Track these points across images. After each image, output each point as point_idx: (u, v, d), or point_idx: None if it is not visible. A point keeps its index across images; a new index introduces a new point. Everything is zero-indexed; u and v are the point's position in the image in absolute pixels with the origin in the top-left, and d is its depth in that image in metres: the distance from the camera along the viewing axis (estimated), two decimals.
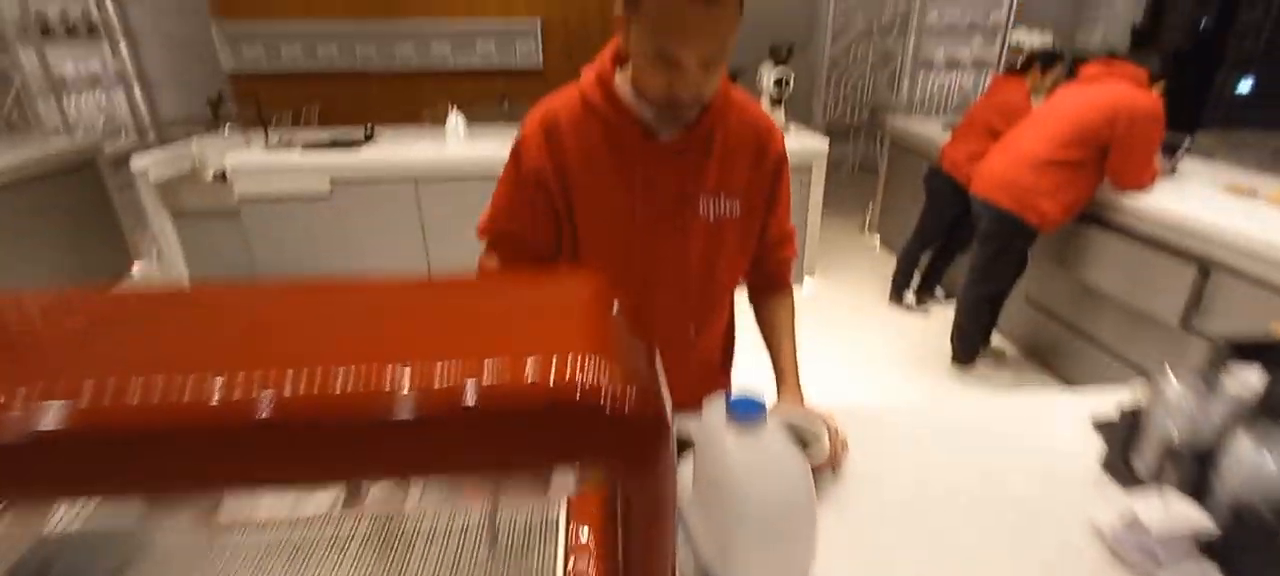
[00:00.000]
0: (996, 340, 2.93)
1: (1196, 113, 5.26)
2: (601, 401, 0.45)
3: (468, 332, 0.54)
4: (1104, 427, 1.01)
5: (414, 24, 5.56)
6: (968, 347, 2.72)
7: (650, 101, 0.89)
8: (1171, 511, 0.78)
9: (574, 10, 5.57)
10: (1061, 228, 2.42)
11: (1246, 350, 0.87)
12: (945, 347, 2.83)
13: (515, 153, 0.97)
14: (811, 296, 3.63)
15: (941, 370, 2.83)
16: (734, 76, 3.75)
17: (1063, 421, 1.07)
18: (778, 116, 3.60)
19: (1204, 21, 5.41)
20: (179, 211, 3.30)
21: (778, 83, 3.47)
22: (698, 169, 0.94)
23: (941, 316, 3.26)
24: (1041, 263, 2.68)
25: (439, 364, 0.43)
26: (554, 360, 0.47)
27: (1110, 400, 1.10)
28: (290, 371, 0.40)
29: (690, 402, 1.14)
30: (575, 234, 0.98)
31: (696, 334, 1.05)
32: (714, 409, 0.62)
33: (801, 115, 6.11)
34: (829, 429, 0.91)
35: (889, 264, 3.86)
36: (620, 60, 0.93)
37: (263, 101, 5.25)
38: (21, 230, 3.27)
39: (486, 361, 0.46)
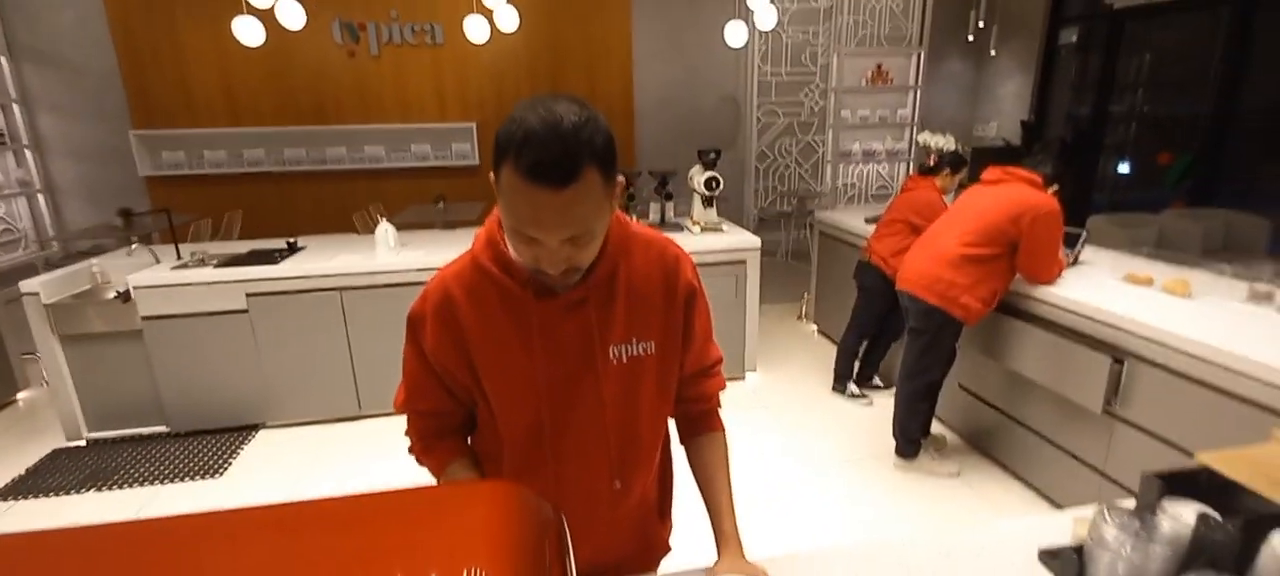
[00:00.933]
0: (937, 427, 2.98)
1: (1087, 198, 5.78)
2: None
3: None
4: (1049, 561, 0.99)
5: (346, 128, 5.51)
6: (909, 441, 2.74)
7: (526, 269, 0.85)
8: None
9: (509, 110, 5.67)
10: (983, 319, 2.52)
11: (1177, 482, 0.88)
12: (889, 438, 2.84)
13: (413, 330, 0.93)
14: (756, 389, 3.62)
15: (886, 462, 2.83)
16: (665, 181, 3.83)
17: (1012, 554, 1.04)
18: (710, 215, 3.70)
19: (1081, 114, 6.03)
20: (74, 335, 3.01)
21: (708, 183, 3.59)
22: (603, 319, 0.90)
23: (883, 405, 3.30)
24: (971, 353, 2.78)
25: None
26: None
27: (1056, 527, 1.09)
28: None
29: (625, 555, 1.06)
30: (488, 400, 0.92)
31: (623, 487, 0.98)
32: None
33: (734, 206, 6.35)
34: None
35: (827, 349, 3.93)
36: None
37: (182, 207, 5.05)
38: None
39: None
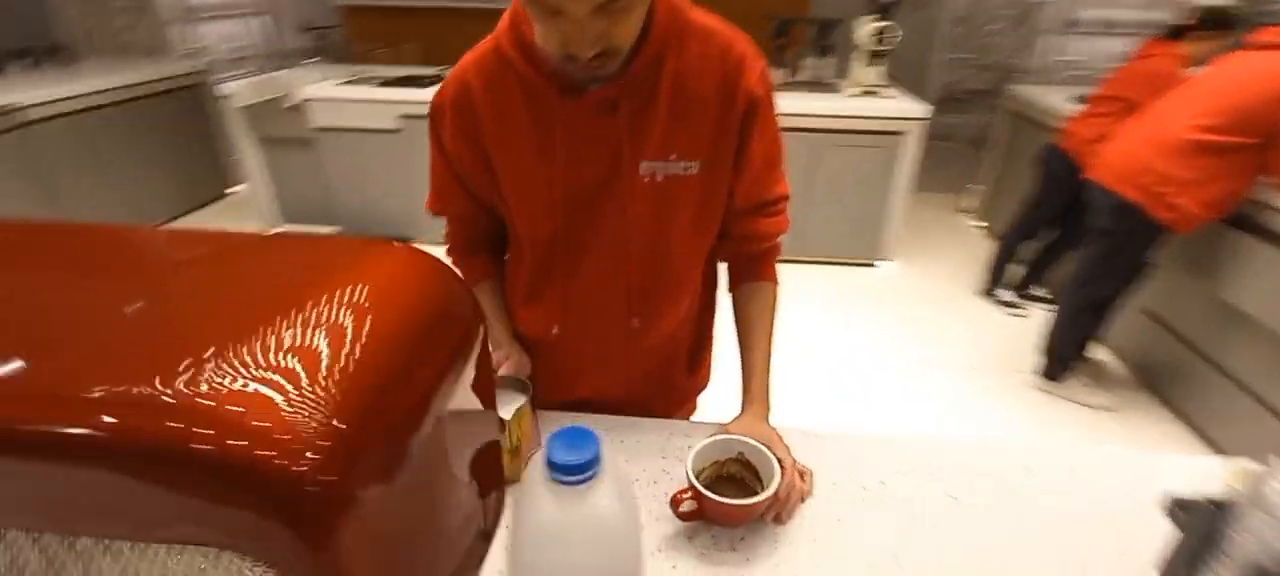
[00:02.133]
0: (1102, 353, 2.51)
1: None
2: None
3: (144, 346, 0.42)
4: (1176, 514, 0.76)
5: None
6: (1059, 359, 2.33)
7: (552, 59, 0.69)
8: None
9: None
10: (1200, 228, 1.96)
11: None
12: (1036, 356, 2.45)
13: (434, 125, 0.83)
14: (886, 279, 3.28)
15: (1023, 383, 2.46)
16: (826, 30, 3.32)
17: (1122, 490, 0.82)
18: (873, 75, 3.20)
19: None
20: (266, 138, 3.47)
21: (879, 34, 3.06)
22: (637, 126, 0.74)
23: (1041, 320, 2.84)
24: (1168, 268, 2.22)
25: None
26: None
27: (1204, 472, 0.83)
28: None
29: (635, 398, 0.95)
30: (509, 207, 0.83)
31: (641, 326, 0.87)
32: (540, 456, 0.47)
33: (914, 77, 5.51)
34: (785, 467, 0.72)
35: (990, 250, 3.42)
36: None
37: (367, 36, 5.43)
38: (127, 149, 3.59)
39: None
